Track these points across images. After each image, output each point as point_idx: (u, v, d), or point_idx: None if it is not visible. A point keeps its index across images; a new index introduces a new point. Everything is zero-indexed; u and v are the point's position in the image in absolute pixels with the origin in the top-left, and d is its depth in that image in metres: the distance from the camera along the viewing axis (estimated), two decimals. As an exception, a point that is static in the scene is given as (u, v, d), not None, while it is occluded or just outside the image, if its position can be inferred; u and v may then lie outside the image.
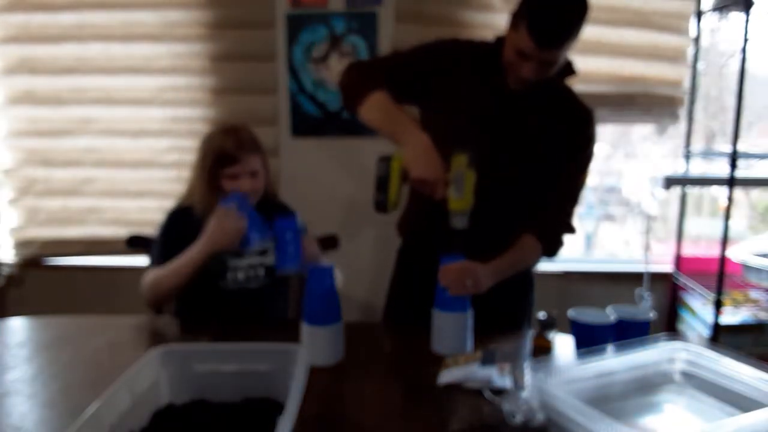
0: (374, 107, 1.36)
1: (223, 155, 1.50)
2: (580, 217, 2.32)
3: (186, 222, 1.56)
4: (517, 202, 1.48)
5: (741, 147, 1.91)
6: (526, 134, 1.44)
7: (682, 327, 2.35)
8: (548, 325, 1.38)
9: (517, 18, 1.29)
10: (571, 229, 1.52)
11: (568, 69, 1.43)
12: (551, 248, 1.50)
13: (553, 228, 1.50)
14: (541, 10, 1.24)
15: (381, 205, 1.33)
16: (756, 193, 2.23)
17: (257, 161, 1.55)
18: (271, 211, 1.62)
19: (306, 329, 1.25)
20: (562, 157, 1.46)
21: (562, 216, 1.50)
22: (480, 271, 1.35)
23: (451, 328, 1.32)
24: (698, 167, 2.27)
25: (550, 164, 1.46)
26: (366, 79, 1.39)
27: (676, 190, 2.34)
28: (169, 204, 1.69)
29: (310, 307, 1.25)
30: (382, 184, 1.31)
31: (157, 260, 1.56)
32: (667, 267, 2.41)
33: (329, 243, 1.99)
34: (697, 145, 2.29)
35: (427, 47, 1.48)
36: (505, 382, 1.17)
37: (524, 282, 1.61)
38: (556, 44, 1.26)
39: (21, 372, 1.28)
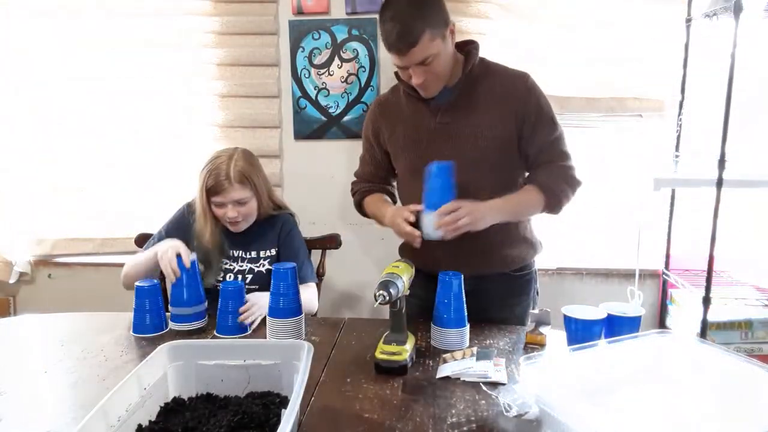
0: (368, 208, 1.70)
1: (207, 189, 1.65)
2: (572, 217, 2.35)
3: (190, 216, 1.74)
4: (502, 187, 1.51)
5: (729, 149, 1.95)
6: (476, 122, 1.49)
7: (671, 323, 2.40)
8: (542, 320, 1.42)
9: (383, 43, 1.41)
10: (573, 182, 1.53)
11: (474, 49, 1.51)
12: (554, 199, 1.50)
13: (553, 179, 1.50)
14: (385, 27, 1.38)
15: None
16: (744, 193, 2.27)
17: (243, 191, 1.65)
18: (272, 221, 1.78)
19: None
20: (520, 123, 1.49)
21: (559, 169, 1.51)
22: (478, 208, 1.39)
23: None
24: (687, 169, 2.31)
25: (515, 137, 1.50)
26: (356, 194, 1.74)
27: (666, 191, 2.39)
28: (177, 204, 1.81)
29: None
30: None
31: (155, 238, 1.74)
32: (657, 265, 2.45)
33: (331, 243, 2.03)
34: (686, 147, 2.33)
35: (365, 126, 1.68)
36: (500, 376, 1.21)
37: (525, 279, 1.65)
38: (407, 47, 1.35)
39: (33, 367, 1.31)
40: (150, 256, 1.61)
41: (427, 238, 1.40)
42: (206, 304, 1.56)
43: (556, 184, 1.50)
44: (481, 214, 1.38)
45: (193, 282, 1.53)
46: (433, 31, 1.35)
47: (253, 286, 1.69)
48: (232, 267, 1.73)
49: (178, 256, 1.52)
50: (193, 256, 1.56)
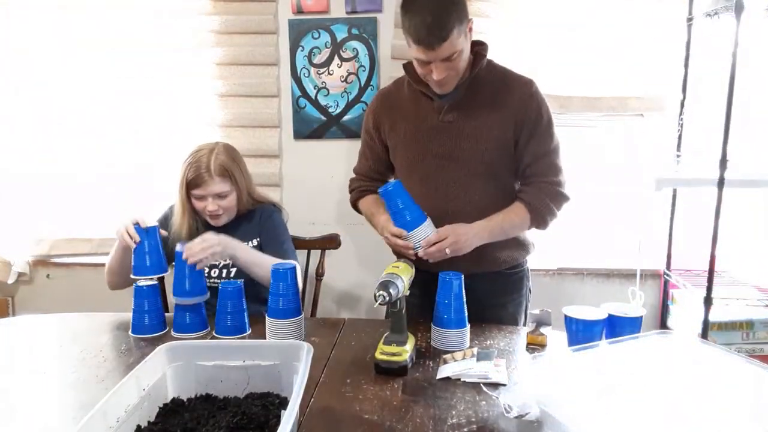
0: (363, 211, 1.72)
1: (188, 181, 1.67)
2: (573, 217, 2.34)
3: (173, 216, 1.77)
4: (498, 192, 1.53)
5: (730, 149, 1.94)
6: (478, 123, 1.49)
7: (672, 323, 2.39)
8: (542, 321, 1.41)
9: (405, 36, 1.39)
10: (559, 198, 1.54)
11: (483, 50, 1.51)
12: (540, 216, 1.52)
13: (540, 197, 1.52)
14: (413, 20, 1.34)
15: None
16: (745, 193, 2.27)
17: (223, 184, 1.67)
18: (251, 213, 1.79)
19: None
20: (518, 128, 1.49)
21: (546, 186, 1.52)
22: (461, 237, 1.41)
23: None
24: (689, 168, 2.30)
25: (512, 142, 1.50)
26: (353, 192, 1.75)
27: (667, 191, 2.38)
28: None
29: None
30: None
31: None
32: (658, 265, 2.45)
33: (331, 243, 2.03)
34: (687, 146, 2.33)
35: (366, 119, 1.67)
36: (501, 376, 1.20)
37: (517, 277, 1.65)
38: (438, 41, 1.33)
39: (32, 367, 1.30)
40: (117, 243, 1.61)
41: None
42: (168, 270, 1.56)
43: (542, 202, 1.52)
44: (465, 242, 1.43)
45: (154, 248, 1.53)
46: (460, 26, 1.35)
47: (239, 279, 1.65)
48: (217, 262, 1.72)
49: (137, 224, 1.52)
50: (155, 223, 1.57)
